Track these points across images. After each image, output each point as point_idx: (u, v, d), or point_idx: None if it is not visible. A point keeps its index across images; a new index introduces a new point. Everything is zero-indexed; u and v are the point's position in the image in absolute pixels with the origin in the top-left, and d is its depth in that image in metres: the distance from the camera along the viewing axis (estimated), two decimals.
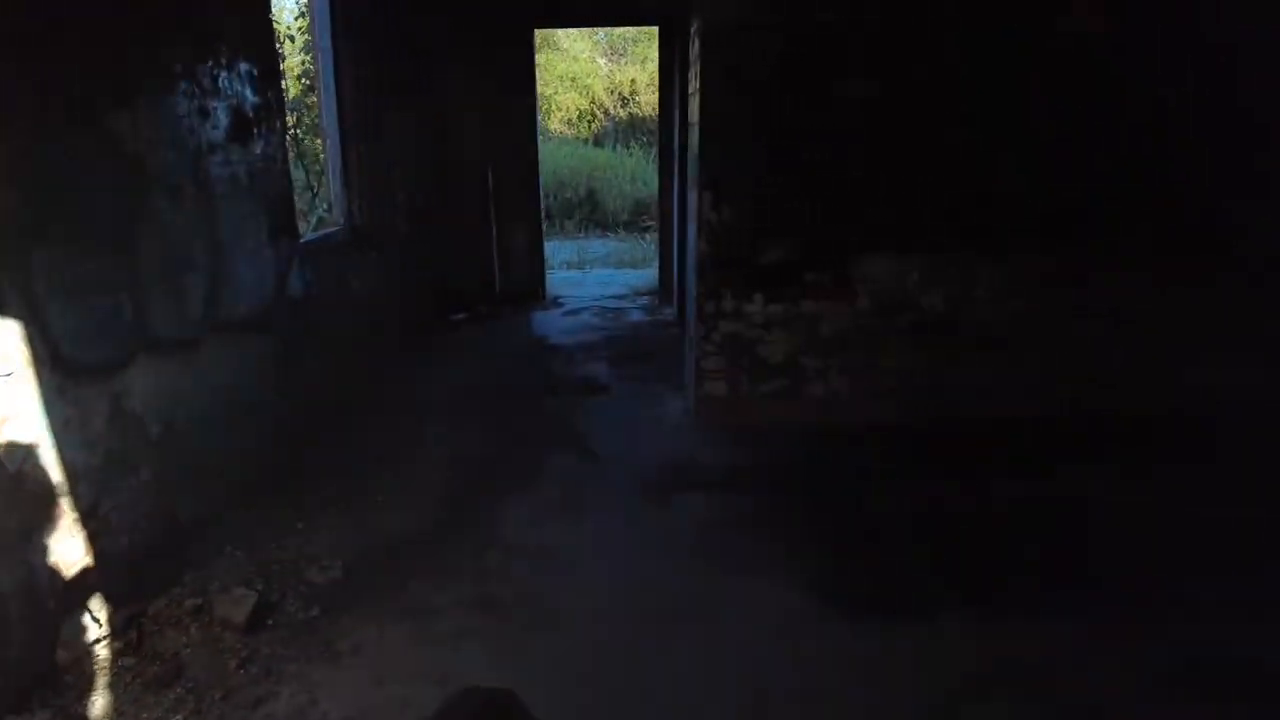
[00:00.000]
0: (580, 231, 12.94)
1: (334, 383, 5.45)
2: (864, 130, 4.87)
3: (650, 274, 8.73)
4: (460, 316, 7.35)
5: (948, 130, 4.89)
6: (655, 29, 8.48)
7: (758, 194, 4.91)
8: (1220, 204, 5.06)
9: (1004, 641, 3.40)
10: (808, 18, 4.69)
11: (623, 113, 18.48)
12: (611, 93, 18.68)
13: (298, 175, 6.85)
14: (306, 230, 6.00)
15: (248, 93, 4.39)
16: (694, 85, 5.09)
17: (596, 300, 8.14)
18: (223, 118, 4.14)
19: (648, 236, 11.15)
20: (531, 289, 7.88)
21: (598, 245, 11.61)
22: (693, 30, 5.10)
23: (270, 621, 3.44)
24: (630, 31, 17.77)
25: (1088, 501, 4.48)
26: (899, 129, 4.88)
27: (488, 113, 7.59)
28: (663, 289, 8.15)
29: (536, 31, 7.91)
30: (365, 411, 5.50)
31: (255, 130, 4.47)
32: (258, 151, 4.50)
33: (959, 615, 3.58)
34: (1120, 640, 3.39)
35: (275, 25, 5.11)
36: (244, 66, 4.34)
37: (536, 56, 7.76)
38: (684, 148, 6.38)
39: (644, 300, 8.22)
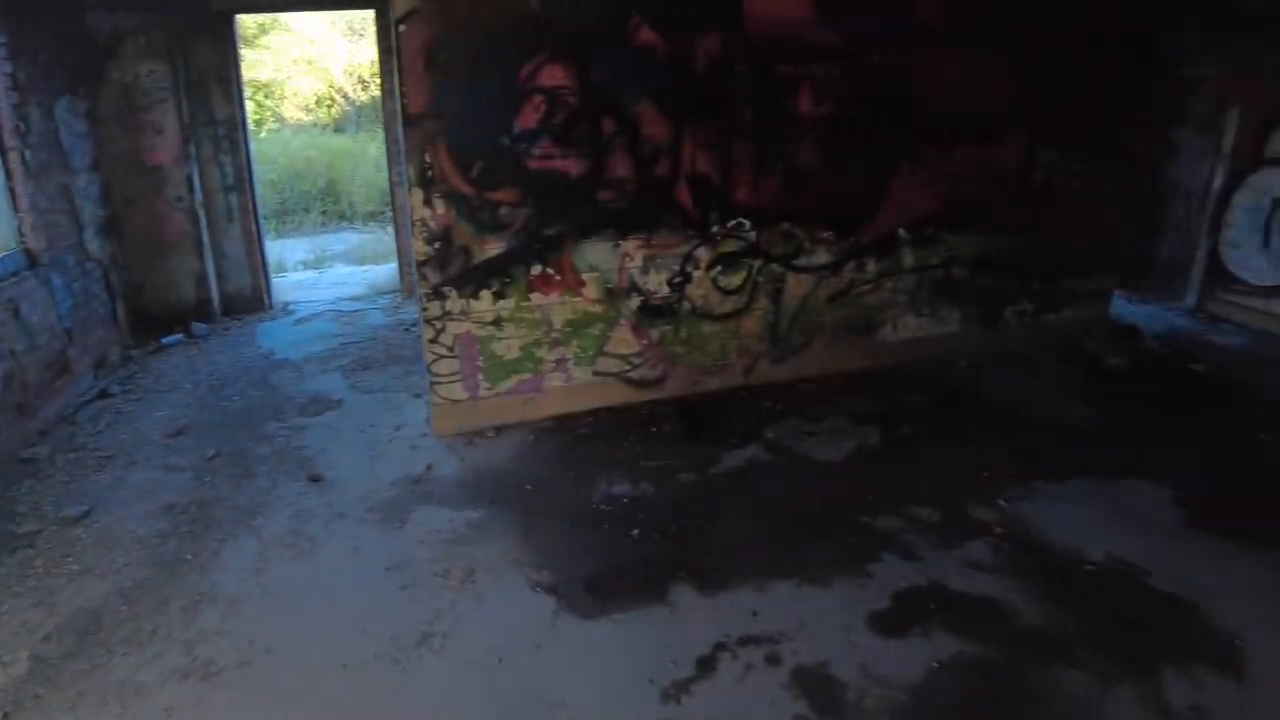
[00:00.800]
0: (323, 226, 12.18)
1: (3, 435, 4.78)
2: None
3: (393, 269, 8.33)
4: (174, 338, 6.66)
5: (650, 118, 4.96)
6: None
7: (473, 188, 4.74)
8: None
9: (733, 611, 3.57)
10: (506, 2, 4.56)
11: (364, 95, 17.54)
12: (351, 75, 17.68)
13: None
14: None
15: None
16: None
17: (332, 304, 7.66)
18: None
19: (390, 229, 10.66)
20: (255, 298, 7.27)
21: (338, 240, 10.94)
22: (391, 12, 4.81)
23: None
24: (370, 11, 16.78)
25: (803, 462, 4.79)
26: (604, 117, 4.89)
27: (192, 107, 6.87)
28: (404, 286, 7.83)
29: (257, 15, 7.21)
30: (45, 463, 4.85)
31: None
32: None
33: (690, 592, 3.72)
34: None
35: None
36: None
37: (267, 39, 7.08)
38: None
39: (385, 299, 7.84)
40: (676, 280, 5.32)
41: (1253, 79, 7.37)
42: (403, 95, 4.49)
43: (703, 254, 5.35)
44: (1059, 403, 5.69)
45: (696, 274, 5.37)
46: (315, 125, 16.72)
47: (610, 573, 3.87)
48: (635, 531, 4.16)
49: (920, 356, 6.23)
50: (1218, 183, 7.69)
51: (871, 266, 5.83)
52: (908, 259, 5.94)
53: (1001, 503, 4.44)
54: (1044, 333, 6.78)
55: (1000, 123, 5.91)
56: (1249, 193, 7.53)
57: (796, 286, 5.67)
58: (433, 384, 5.05)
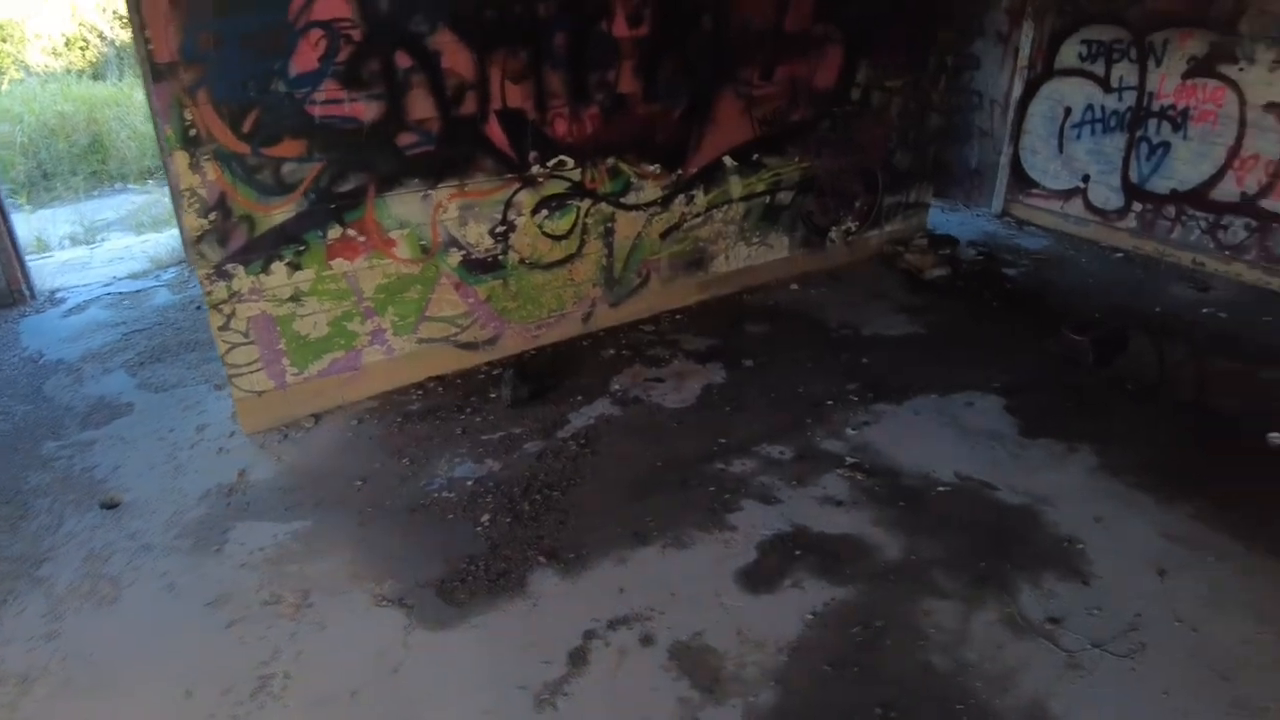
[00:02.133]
0: (91, 191, 10.64)
1: None
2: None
3: (175, 237, 7.31)
4: None
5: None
6: None
7: (248, 145, 4.06)
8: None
9: (598, 592, 3.31)
10: None
11: (125, 33, 15.43)
12: (105, 10, 15.46)
13: None
14: None
15: None
16: None
17: (109, 286, 6.62)
18: None
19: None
20: (10, 290, 6.17)
21: (110, 206, 9.58)
22: None
23: None
24: None
25: (654, 411, 4.56)
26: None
27: None
28: (191, 255, 6.88)
29: None
30: None
31: None
32: None
33: (551, 577, 3.43)
34: None
35: None
36: None
37: None
38: None
39: (171, 273, 6.88)
40: (499, 230, 4.87)
41: None
42: (147, 41, 3.72)
43: (525, 198, 4.91)
44: (889, 320, 5.72)
45: (520, 221, 4.93)
46: (69, 72, 14.57)
47: (462, 571, 3.50)
48: (484, 518, 3.79)
49: (754, 284, 6.11)
50: (1017, 92, 7.93)
51: (700, 198, 5.59)
52: (735, 188, 5.73)
53: (850, 430, 4.39)
54: (869, 249, 6.82)
55: (818, 40, 5.73)
56: (1044, 102, 7.82)
57: (627, 225, 5.35)
58: (231, 377, 4.40)
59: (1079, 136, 7.62)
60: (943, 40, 6.63)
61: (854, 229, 6.62)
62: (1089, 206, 7.70)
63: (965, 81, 8.34)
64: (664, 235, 5.52)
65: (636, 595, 3.32)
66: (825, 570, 3.44)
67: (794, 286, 6.17)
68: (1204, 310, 6.28)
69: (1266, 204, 6.67)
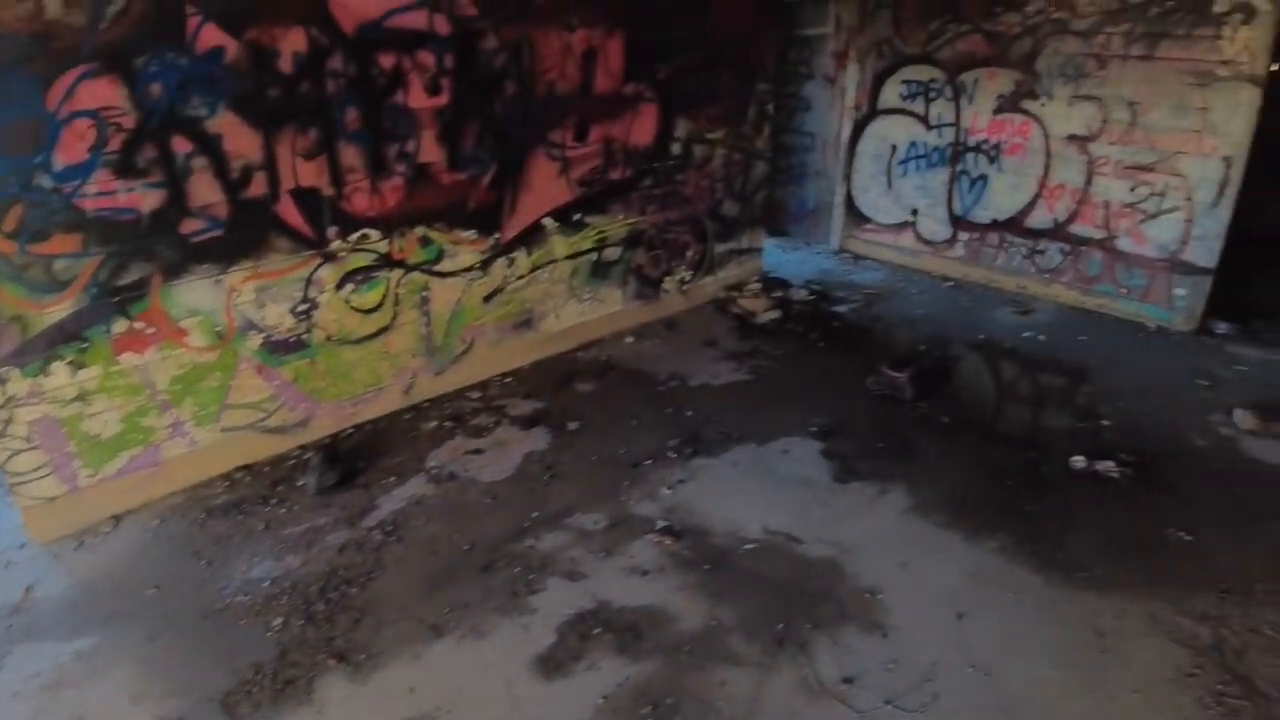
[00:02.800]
0: None
1: None
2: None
3: None
4: None
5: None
6: None
7: (13, 244, 3.80)
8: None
9: (387, 695, 3.15)
10: None
11: None
12: None
13: None
14: None
15: None
16: None
17: None
18: None
19: None
20: None
21: None
22: None
23: None
24: None
25: (469, 487, 4.44)
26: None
27: None
28: None
29: None
30: None
31: None
32: None
33: (340, 682, 3.24)
34: None
35: None
36: None
37: None
38: None
39: None
40: (301, 308, 4.70)
41: (861, 35, 7.87)
42: None
43: (327, 274, 4.75)
44: (717, 368, 5.76)
45: (323, 297, 4.77)
46: None
47: (248, 682, 3.28)
48: (277, 621, 3.59)
49: (589, 340, 6.09)
50: (846, 132, 8.19)
51: (523, 260, 5.54)
52: (560, 248, 5.70)
53: (665, 491, 4.36)
54: (705, 296, 6.89)
55: (631, 100, 5.79)
56: (871, 140, 8.10)
57: (445, 292, 5.25)
58: (14, 486, 4.09)
59: (905, 173, 7.90)
60: (760, 91, 6.80)
61: (688, 278, 6.68)
62: (919, 238, 7.99)
63: (798, 124, 8.58)
64: (487, 299, 5.44)
65: (426, 695, 3.18)
66: (623, 648, 3.37)
67: (629, 339, 6.16)
68: (1025, 334, 6.54)
69: (1076, 229, 7.03)
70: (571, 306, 5.93)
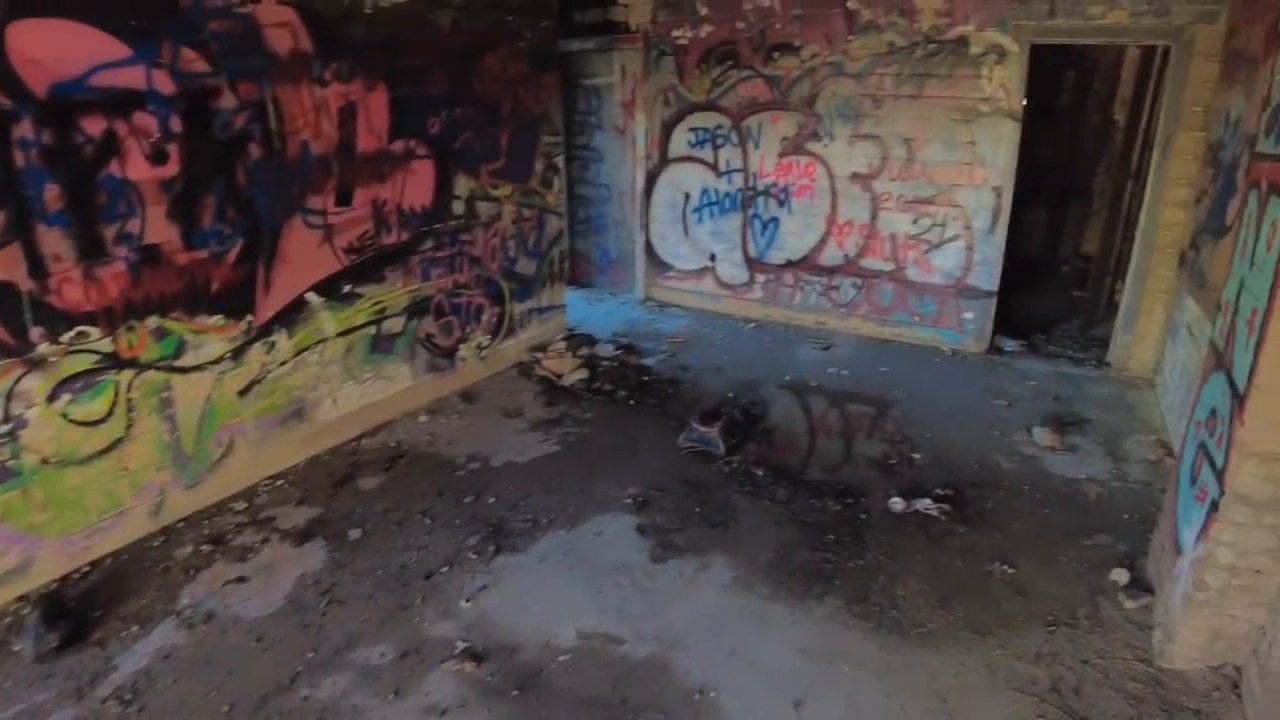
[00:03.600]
0: None
1: None
2: None
3: None
4: None
5: None
6: None
7: None
8: None
9: None
10: None
11: None
12: None
13: None
14: None
15: None
16: None
17: None
18: None
19: None
20: None
21: None
22: None
23: None
24: None
25: (231, 628, 3.65)
26: None
27: None
28: None
29: None
30: None
31: None
32: None
33: None
34: None
35: None
36: None
37: None
38: None
39: None
40: (1, 431, 3.77)
41: (645, 84, 7.68)
42: None
43: (34, 385, 3.85)
44: (523, 442, 5.24)
45: (32, 413, 3.86)
46: None
47: None
48: None
49: (377, 424, 5.40)
50: (640, 182, 7.96)
51: (284, 343, 4.80)
52: (329, 325, 5.01)
53: (464, 604, 3.76)
54: (508, 359, 6.38)
55: (401, 158, 5.23)
56: (665, 189, 7.91)
57: (191, 390, 4.43)
58: None
59: (700, 219, 7.75)
60: (547, 144, 6.43)
61: (486, 343, 6.14)
62: (719, 283, 7.84)
63: (593, 175, 8.29)
64: (243, 392, 4.66)
65: None
66: None
67: (422, 418, 5.52)
68: (829, 370, 6.44)
69: (866, 263, 7.06)
70: (350, 389, 5.23)
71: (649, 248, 8.12)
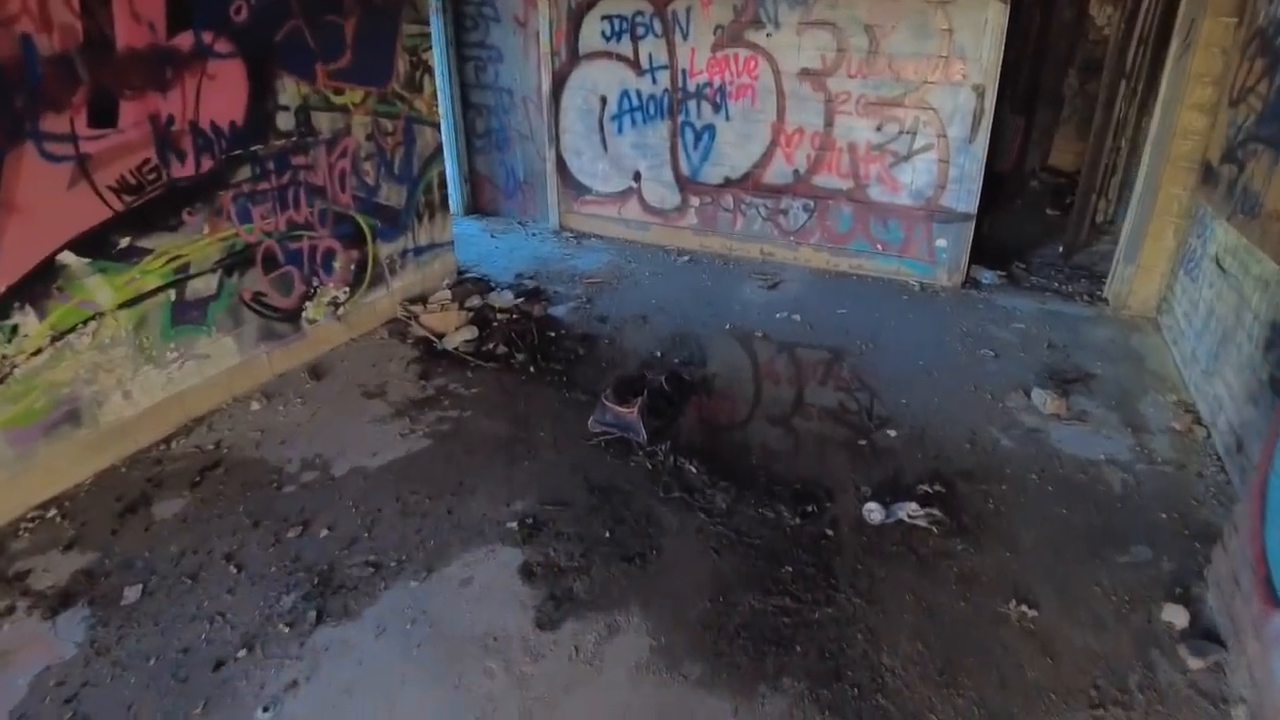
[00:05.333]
0: None
1: None
2: None
3: None
4: None
5: None
6: None
7: None
8: None
9: None
10: None
11: None
12: None
13: None
14: None
15: None
16: None
17: None
18: None
19: None
20: None
21: None
22: None
23: None
24: None
25: None
26: None
27: None
28: None
29: None
30: None
31: None
32: None
33: None
34: None
35: None
36: None
37: None
38: None
39: None
40: None
41: None
42: None
43: None
44: (379, 435, 3.93)
45: None
46: None
47: None
48: None
49: (195, 416, 4.02)
50: (546, 85, 6.45)
51: (33, 325, 3.35)
52: (103, 294, 3.56)
53: (261, 714, 2.49)
54: (379, 316, 4.99)
55: (192, 56, 3.71)
56: (576, 93, 6.42)
57: None
58: None
59: (620, 129, 6.32)
60: (410, 36, 4.89)
61: (343, 298, 4.73)
62: (646, 207, 6.48)
63: (492, 78, 6.74)
64: None
65: None
66: None
67: (255, 404, 4.15)
68: (778, 315, 5.21)
69: (820, 180, 5.76)
70: (149, 376, 3.82)
71: (562, 166, 6.67)
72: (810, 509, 3.37)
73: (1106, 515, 3.36)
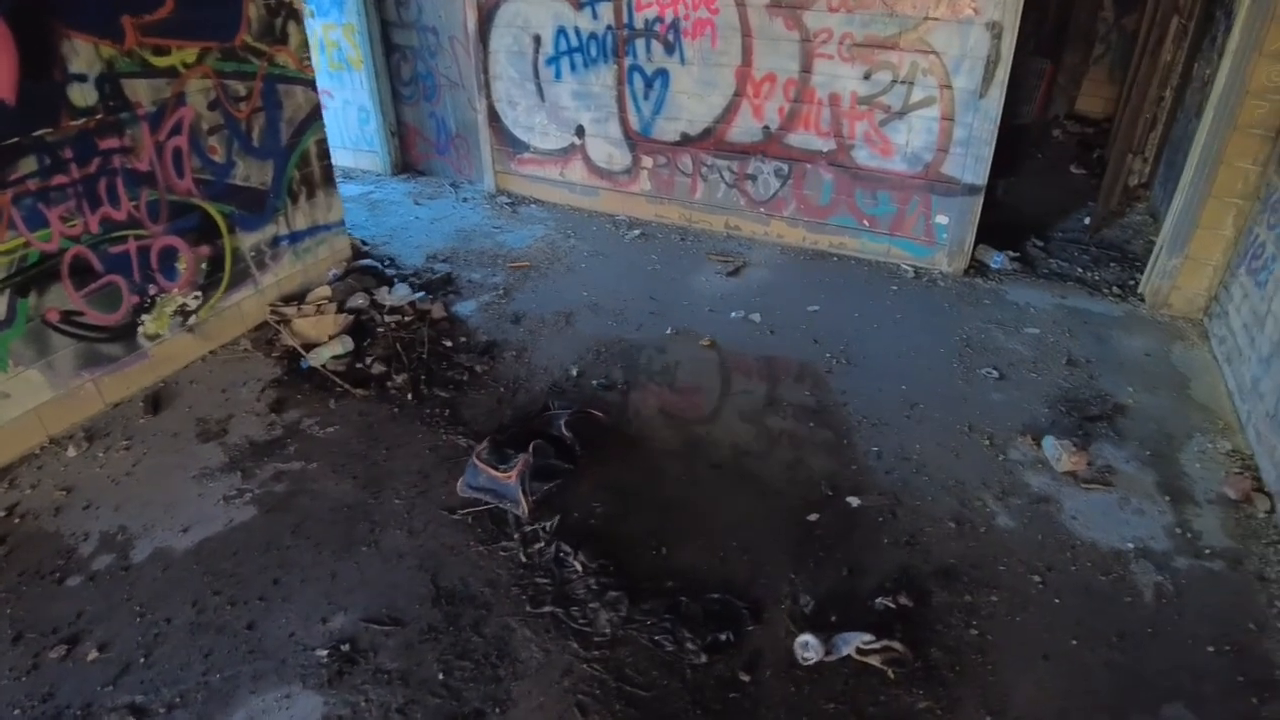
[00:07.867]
0: None
1: None
2: None
3: None
4: None
5: None
6: None
7: None
8: None
9: None
10: None
11: None
12: None
13: None
14: None
15: None
16: None
17: None
18: None
19: None
20: None
21: None
22: None
23: None
24: None
25: None
26: None
27: None
28: None
29: None
30: None
31: None
32: None
33: None
34: None
35: None
36: None
37: None
38: None
39: None
40: None
41: None
42: None
43: None
44: (203, 496, 3.04)
45: None
46: None
47: None
48: None
49: None
50: (472, 22, 5.29)
51: None
52: None
53: None
54: (245, 324, 4.03)
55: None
56: (506, 32, 5.26)
57: None
58: None
59: (558, 75, 5.19)
60: None
61: (194, 305, 3.75)
62: (592, 169, 5.38)
63: (414, 16, 5.58)
64: None
65: None
66: None
67: (73, 451, 3.24)
68: (734, 314, 4.20)
69: (795, 139, 4.64)
70: None
71: (495, 119, 5.56)
72: (725, 637, 2.43)
73: (1134, 651, 2.40)
